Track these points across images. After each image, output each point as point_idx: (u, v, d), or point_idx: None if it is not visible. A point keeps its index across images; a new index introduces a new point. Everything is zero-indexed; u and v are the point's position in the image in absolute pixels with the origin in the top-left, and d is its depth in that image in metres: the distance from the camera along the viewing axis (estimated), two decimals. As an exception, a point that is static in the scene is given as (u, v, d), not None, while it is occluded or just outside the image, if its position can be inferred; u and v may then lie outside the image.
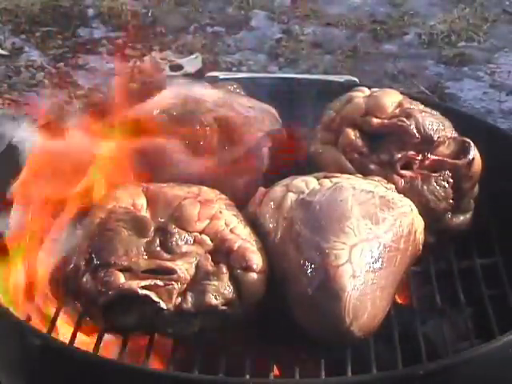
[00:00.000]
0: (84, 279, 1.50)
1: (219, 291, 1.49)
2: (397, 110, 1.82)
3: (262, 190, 1.67)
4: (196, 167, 1.80)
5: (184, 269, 1.50)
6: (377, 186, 1.63)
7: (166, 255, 1.51)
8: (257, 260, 1.52)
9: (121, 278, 1.47)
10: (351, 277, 1.47)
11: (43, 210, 1.73)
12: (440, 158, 1.78)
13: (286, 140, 1.93)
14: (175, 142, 1.80)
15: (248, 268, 1.51)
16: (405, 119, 1.79)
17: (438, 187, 1.76)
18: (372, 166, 1.77)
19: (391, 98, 1.84)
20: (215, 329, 1.53)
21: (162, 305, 1.46)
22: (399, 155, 1.76)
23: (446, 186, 1.77)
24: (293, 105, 2.04)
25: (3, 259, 1.70)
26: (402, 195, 1.65)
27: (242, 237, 1.55)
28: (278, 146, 1.88)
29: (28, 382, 1.57)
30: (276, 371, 1.51)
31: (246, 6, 4.20)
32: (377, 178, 1.68)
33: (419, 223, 1.63)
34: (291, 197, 1.60)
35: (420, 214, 1.64)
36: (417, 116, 1.80)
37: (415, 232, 1.61)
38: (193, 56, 3.69)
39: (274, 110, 1.98)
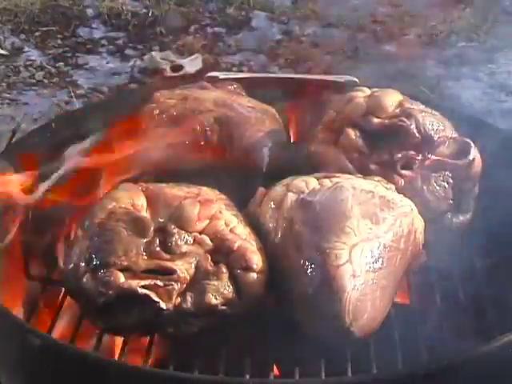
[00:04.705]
0: (84, 279, 1.49)
1: (219, 291, 1.49)
2: (397, 110, 1.81)
3: (262, 190, 1.67)
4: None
5: (184, 269, 1.49)
6: (377, 186, 1.63)
7: (165, 255, 1.51)
8: (256, 260, 1.52)
9: (121, 278, 1.47)
10: (351, 277, 1.47)
11: None
12: (440, 158, 1.78)
13: (286, 139, 1.93)
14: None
15: (248, 268, 1.51)
16: (405, 119, 1.79)
17: (437, 187, 1.76)
18: (372, 166, 1.77)
19: (392, 98, 1.84)
20: (215, 329, 1.52)
21: (162, 305, 1.46)
22: (399, 155, 1.76)
23: (446, 186, 1.77)
24: (293, 105, 2.03)
25: None
26: (402, 195, 1.65)
27: (242, 237, 1.55)
28: (277, 145, 1.88)
29: (28, 382, 1.57)
30: (276, 371, 1.51)
31: (247, 6, 4.20)
32: (377, 178, 1.68)
33: (419, 223, 1.63)
34: (291, 197, 1.60)
35: (420, 213, 1.64)
36: (417, 116, 1.80)
37: (415, 232, 1.61)
38: (193, 56, 3.69)
39: (274, 110, 1.98)
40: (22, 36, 3.94)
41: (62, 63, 3.73)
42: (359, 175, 1.69)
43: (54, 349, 1.47)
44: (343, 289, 1.46)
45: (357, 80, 2.20)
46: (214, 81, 2.12)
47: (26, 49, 3.84)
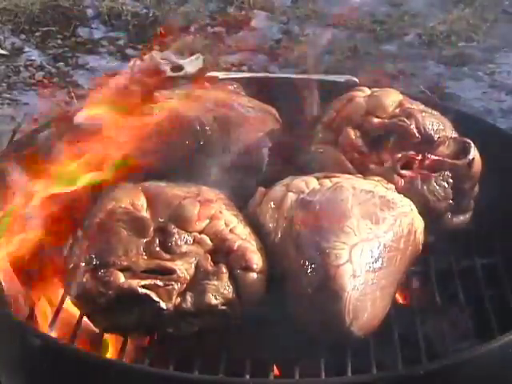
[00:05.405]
0: (84, 279, 1.49)
1: (219, 291, 1.49)
2: (397, 110, 1.82)
3: (261, 189, 1.67)
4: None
5: (184, 269, 1.49)
6: (377, 186, 1.63)
7: (165, 255, 1.51)
8: (256, 260, 1.52)
9: (121, 278, 1.47)
10: (351, 277, 1.47)
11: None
12: (440, 158, 1.78)
13: (285, 140, 1.92)
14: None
15: (248, 268, 1.51)
16: (405, 119, 1.79)
17: (437, 187, 1.76)
18: (372, 166, 1.77)
19: (391, 98, 1.84)
20: (215, 329, 1.52)
21: (162, 305, 1.46)
22: (399, 155, 1.76)
23: (446, 186, 1.77)
24: (293, 105, 2.03)
25: None
26: (401, 195, 1.65)
27: (242, 237, 1.55)
28: (277, 145, 1.88)
29: (28, 382, 1.57)
30: (276, 371, 1.51)
31: (247, 6, 4.20)
32: (377, 178, 1.68)
33: (419, 223, 1.63)
34: (291, 197, 1.60)
35: (420, 213, 1.64)
36: (417, 116, 1.80)
37: (415, 232, 1.61)
38: (193, 56, 3.69)
39: (274, 110, 1.98)
40: (22, 36, 3.94)
41: (62, 63, 3.73)
42: (359, 175, 1.69)
43: (54, 349, 1.47)
44: (343, 288, 1.46)
45: (357, 80, 2.20)
46: (214, 81, 2.12)
47: (26, 49, 3.84)
